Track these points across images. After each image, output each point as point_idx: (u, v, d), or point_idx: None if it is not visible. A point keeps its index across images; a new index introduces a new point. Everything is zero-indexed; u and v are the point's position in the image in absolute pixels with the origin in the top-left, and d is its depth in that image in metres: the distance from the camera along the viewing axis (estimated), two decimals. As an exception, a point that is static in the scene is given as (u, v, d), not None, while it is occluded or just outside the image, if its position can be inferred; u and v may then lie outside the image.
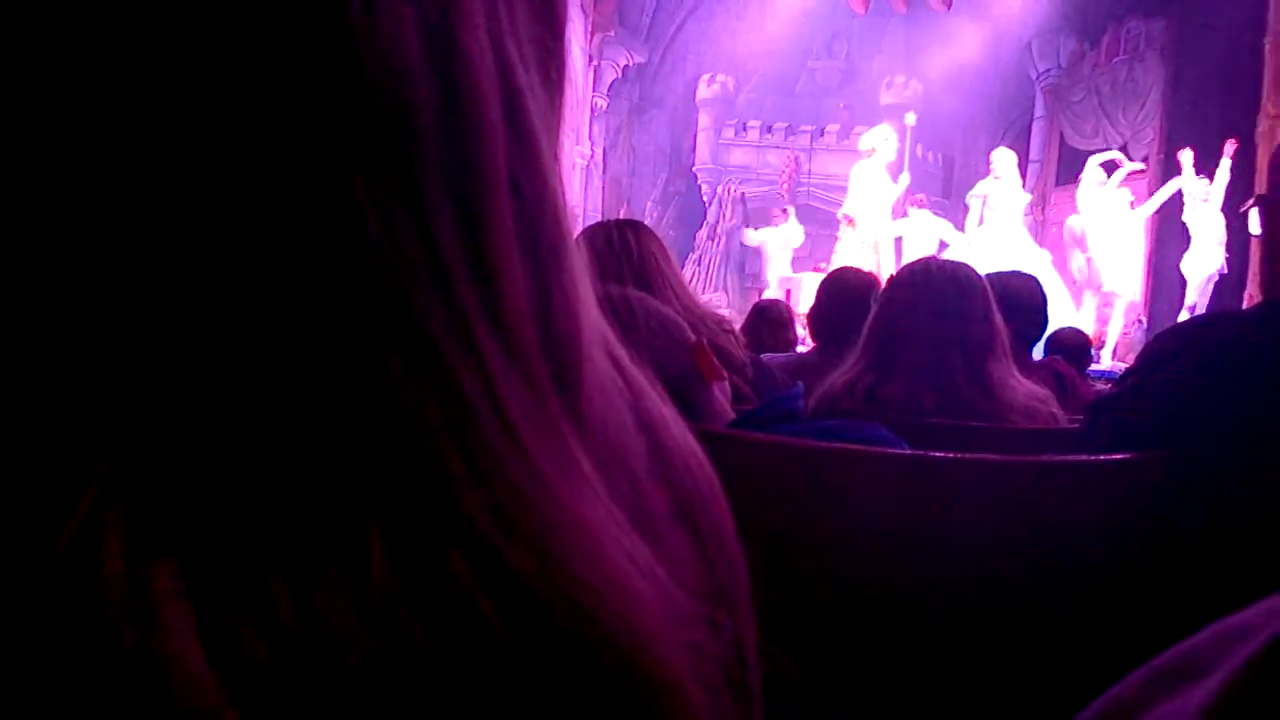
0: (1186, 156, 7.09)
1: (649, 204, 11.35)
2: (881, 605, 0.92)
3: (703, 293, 9.72)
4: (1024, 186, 7.93)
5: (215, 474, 0.18)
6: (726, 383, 1.02)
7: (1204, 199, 6.99)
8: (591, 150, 10.39)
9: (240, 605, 0.17)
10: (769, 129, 11.08)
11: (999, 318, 1.44)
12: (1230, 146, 6.99)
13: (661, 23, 11.17)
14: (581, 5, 9.23)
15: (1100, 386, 2.53)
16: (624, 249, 1.50)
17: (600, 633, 0.19)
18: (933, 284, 1.44)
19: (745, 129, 11.16)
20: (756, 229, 9.56)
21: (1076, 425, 1.28)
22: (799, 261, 9.03)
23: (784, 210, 9.21)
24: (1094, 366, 4.85)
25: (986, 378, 1.39)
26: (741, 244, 10.11)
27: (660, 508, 0.25)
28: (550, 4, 0.24)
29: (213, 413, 0.18)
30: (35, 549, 0.17)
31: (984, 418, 1.36)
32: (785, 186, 10.63)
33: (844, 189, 7.85)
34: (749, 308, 3.47)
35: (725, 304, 9.52)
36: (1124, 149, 8.12)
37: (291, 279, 0.19)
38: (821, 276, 2.65)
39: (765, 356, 1.97)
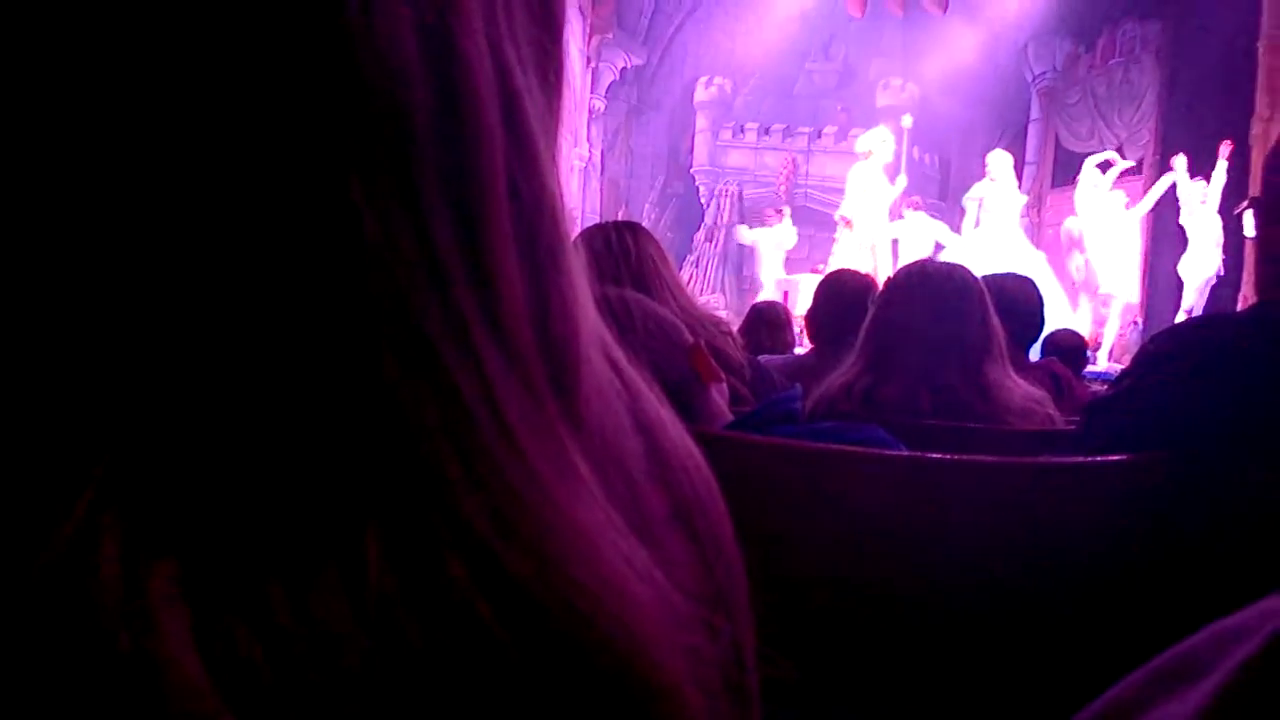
0: (1180, 162, 7.10)
1: (647, 206, 11.36)
2: (879, 607, 0.92)
3: (700, 294, 9.73)
4: (1020, 188, 7.96)
5: (211, 475, 0.18)
6: (724, 384, 1.02)
7: (1201, 201, 7.01)
8: (589, 152, 10.39)
9: (236, 607, 0.17)
10: (766, 131, 11.10)
11: (995, 319, 1.44)
12: (1226, 148, 7.01)
13: (659, 25, 11.18)
14: (579, 7, 9.24)
15: (1096, 388, 2.54)
16: (622, 251, 1.50)
17: (598, 636, 0.19)
18: (930, 286, 1.44)
19: (743, 131, 11.17)
20: (752, 228, 9.57)
21: (1073, 427, 1.29)
22: (796, 263, 9.04)
23: (778, 211, 9.21)
24: (1090, 368, 4.86)
25: (983, 379, 1.40)
26: (739, 245, 10.12)
27: (658, 511, 0.25)
28: (548, 6, 0.24)
29: (209, 414, 0.18)
30: (31, 551, 0.17)
31: (981, 419, 1.36)
32: (783, 188, 10.64)
33: (841, 191, 7.87)
34: (746, 309, 3.47)
35: (723, 305, 9.52)
36: (1119, 151, 8.14)
37: (288, 279, 0.19)
38: (819, 278, 2.66)
39: (763, 358, 1.97)
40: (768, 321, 3.05)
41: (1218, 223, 6.92)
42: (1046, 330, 2.49)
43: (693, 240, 11.09)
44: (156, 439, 0.18)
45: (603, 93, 10.66)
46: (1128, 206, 7.28)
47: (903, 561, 0.92)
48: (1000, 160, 7.47)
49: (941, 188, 10.83)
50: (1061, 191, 9.07)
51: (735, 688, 0.24)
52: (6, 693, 0.16)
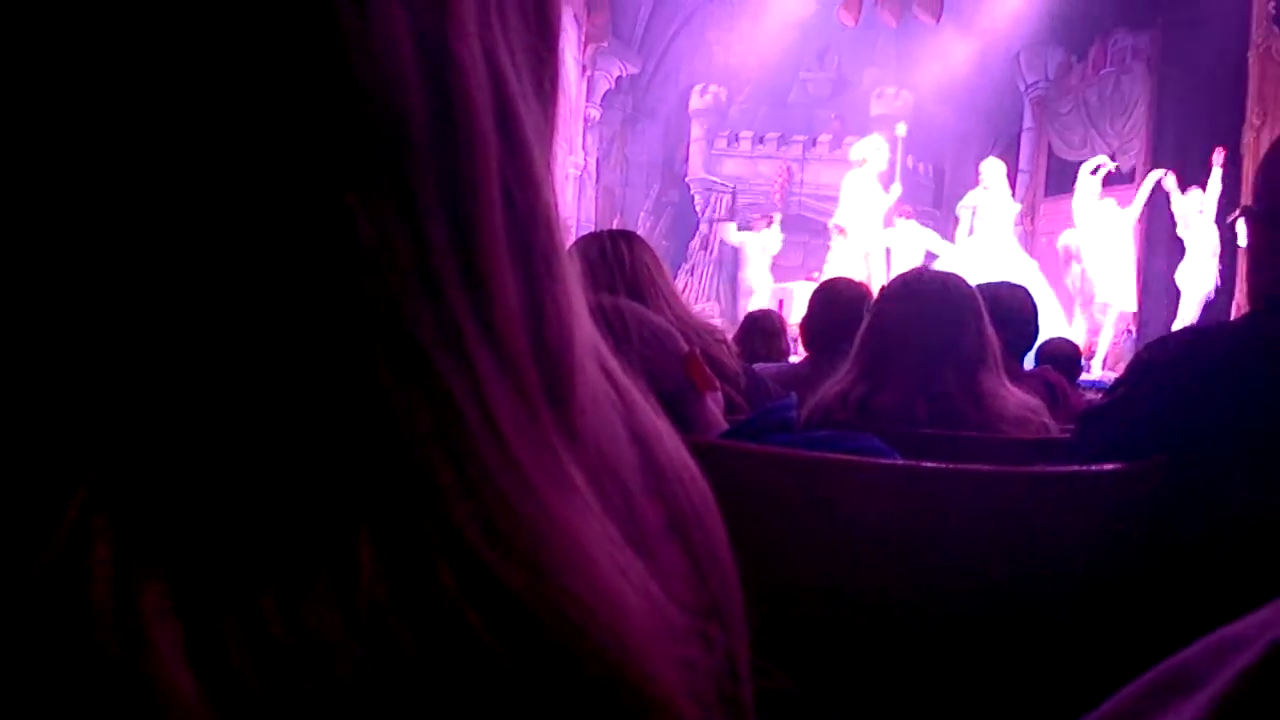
0: (1170, 181, 7.08)
1: (642, 214, 11.38)
2: (875, 616, 0.92)
3: (695, 303, 9.74)
4: (1014, 197, 7.99)
5: (203, 482, 0.18)
6: (719, 393, 1.02)
7: (1199, 211, 7.01)
8: (584, 160, 10.41)
9: (228, 617, 0.17)
10: (761, 139, 11.13)
11: (990, 328, 1.44)
12: (1219, 155, 7.03)
13: (655, 33, 11.22)
14: (575, 16, 9.27)
15: (1091, 396, 2.54)
16: (617, 259, 1.50)
17: (591, 647, 0.19)
18: (924, 295, 1.44)
19: (738, 139, 11.20)
20: (741, 229, 9.59)
21: (1068, 435, 1.29)
22: (790, 271, 9.06)
23: (767, 217, 9.23)
24: (1084, 376, 4.88)
25: (978, 388, 1.40)
26: (733, 252, 10.13)
27: (653, 522, 0.24)
28: (543, 14, 0.24)
29: (201, 420, 0.18)
30: (22, 561, 0.16)
31: (976, 428, 1.36)
32: (778, 196, 10.67)
33: (836, 199, 7.89)
34: (740, 317, 3.48)
35: (718, 314, 9.54)
36: (1112, 160, 8.18)
37: (282, 283, 0.19)
38: (814, 286, 2.66)
39: (758, 366, 1.97)
40: (763, 330, 3.05)
41: (1214, 232, 6.92)
42: (1040, 339, 2.50)
43: (687, 248, 11.11)
44: (148, 446, 0.18)
45: (598, 101, 10.69)
46: (1121, 206, 7.29)
47: (898, 571, 0.92)
48: (994, 169, 7.51)
49: (936, 196, 10.87)
50: (1055, 200, 9.11)
51: (729, 699, 0.24)
52: None
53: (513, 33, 0.23)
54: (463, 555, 0.19)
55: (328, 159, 0.19)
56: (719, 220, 10.68)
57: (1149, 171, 7.53)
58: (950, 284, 1.47)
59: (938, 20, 9.50)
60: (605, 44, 10.30)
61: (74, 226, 0.18)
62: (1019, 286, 2.29)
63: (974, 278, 1.67)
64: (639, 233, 1.69)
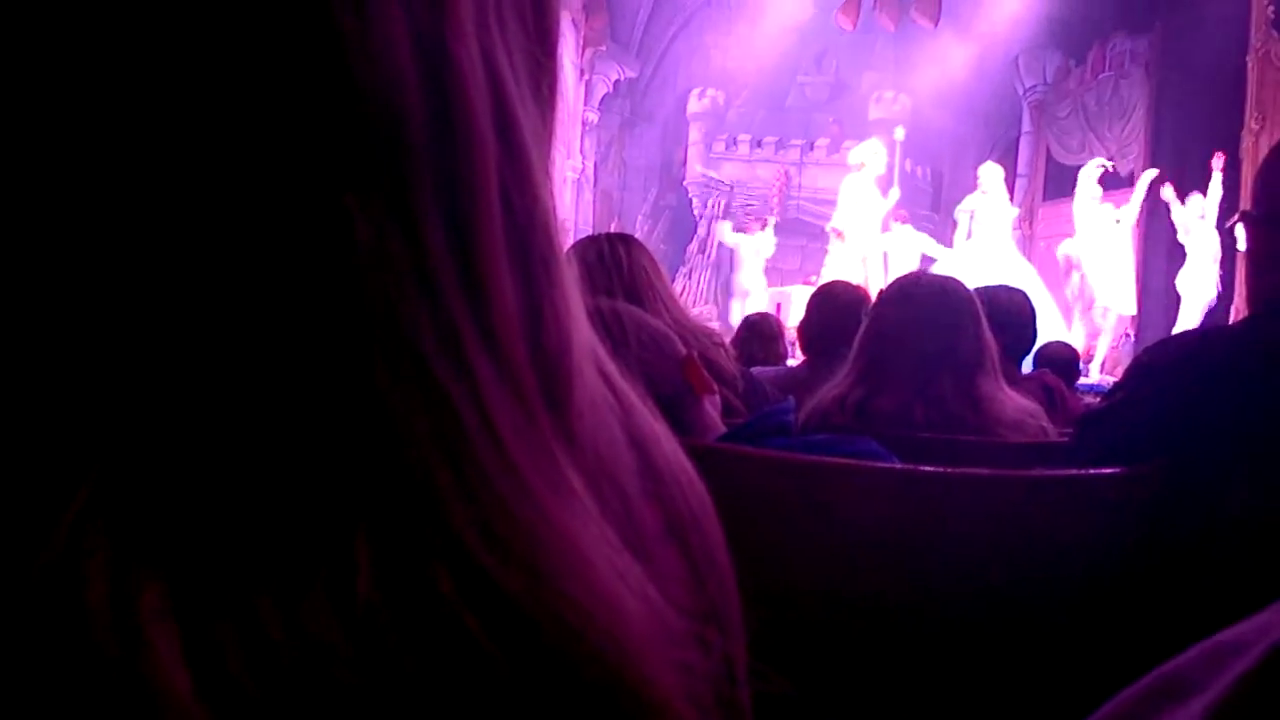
0: (1168, 192, 7.07)
1: (639, 218, 11.38)
2: (873, 620, 0.92)
3: (693, 306, 9.75)
4: (1012, 201, 8.00)
5: (201, 485, 0.18)
6: (717, 396, 1.02)
7: (1200, 216, 7.00)
8: (582, 164, 10.42)
9: (225, 617, 0.17)
10: (759, 143, 11.14)
11: (988, 332, 1.44)
12: (1219, 160, 7.03)
13: (653, 37, 11.24)
14: (573, 20, 9.28)
15: (1089, 400, 2.55)
16: (615, 263, 1.50)
17: (589, 651, 0.19)
18: (922, 298, 1.44)
19: (736, 143, 11.21)
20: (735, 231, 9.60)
21: (1066, 439, 1.29)
22: (788, 275, 9.07)
23: (761, 220, 9.24)
24: (1082, 380, 4.88)
25: (976, 391, 1.40)
26: (730, 255, 10.14)
27: (651, 526, 0.24)
28: (542, 18, 0.24)
29: (198, 422, 0.18)
30: (19, 565, 0.16)
31: (973, 432, 1.36)
32: (776, 200, 10.68)
33: (834, 202, 7.90)
34: (733, 319, 3.48)
35: (715, 317, 9.54)
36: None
37: (280, 284, 0.19)
38: (812, 290, 2.66)
39: (756, 370, 1.97)
40: (760, 333, 3.05)
41: (1215, 238, 6.91)
42: (1038, 343, 2.50)
43: (685, 252, 11.11)
44: (147, 448, 0.18)
45: (596, 105, 10.70)
46: (1117, 206, 7.29)
47: (896, 574, 0.92)
48: (992, 173, 7.52)
49: (934, 200, 10.89)
50: (1053, 204, 9.12)
51: (727, 703, 0.24)
52: None
53: (511, 36, 0.23)
54: (460, 559, 0.19)
55: (326, 160, 0.19)
56: (716, 222, 10.69)
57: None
58: (948, 288, 1.47)
59: (936, 24, 9.51)
60: (603, 48, 10.31)
61: (73, 228, 0.18)
62: (1017, 290, 2.29)
63: (972, 282, 1.67)
64: (637, 236, 1.69)
